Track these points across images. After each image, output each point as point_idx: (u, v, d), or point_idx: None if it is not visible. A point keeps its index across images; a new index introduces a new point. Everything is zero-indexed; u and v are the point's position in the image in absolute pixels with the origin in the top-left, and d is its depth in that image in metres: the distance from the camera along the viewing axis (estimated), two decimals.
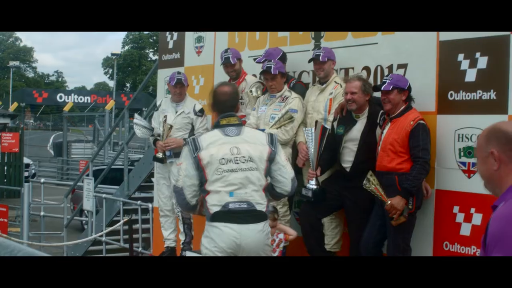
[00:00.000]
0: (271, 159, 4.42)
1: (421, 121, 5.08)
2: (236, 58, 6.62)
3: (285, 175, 4.51)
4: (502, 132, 2.56)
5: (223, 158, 4.32)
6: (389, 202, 5.02)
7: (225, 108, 4.53)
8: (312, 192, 5.66)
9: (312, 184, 5.70)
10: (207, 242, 4.36)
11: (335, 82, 5.94)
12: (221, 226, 4.28)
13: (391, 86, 5.16)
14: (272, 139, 4.47)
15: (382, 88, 5.22)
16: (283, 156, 4.55)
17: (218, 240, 4.28)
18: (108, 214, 10.15)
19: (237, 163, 4.32)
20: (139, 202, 9.18)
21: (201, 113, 7.03)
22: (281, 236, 5.66)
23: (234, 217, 4.28)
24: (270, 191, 4.54)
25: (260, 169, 4.38)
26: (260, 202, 4.37)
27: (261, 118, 6.14)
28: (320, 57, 5.87)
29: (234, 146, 4.36)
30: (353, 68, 6.04)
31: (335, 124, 5.74)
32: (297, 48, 6.56)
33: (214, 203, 4.32)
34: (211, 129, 4.65)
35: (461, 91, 5.12)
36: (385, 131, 5.28)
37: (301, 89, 6.30)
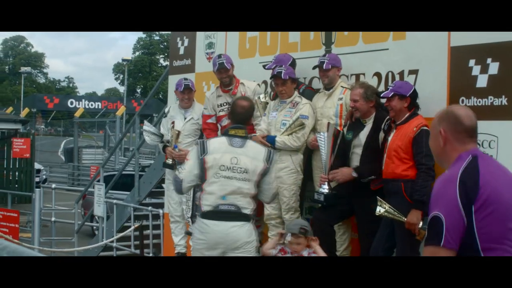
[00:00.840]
0: (263, 174, 4.99)
1: (424, 127, 5.06)
2: (230, 64, 6.57)
3: (270, 190, 5.10)
4: (453, 114, 2.96)
5: (223, 165, 4.89)
6: (405, 220, 4.98)
7: (239, 120, 5.15)
8: (324, 196, 5.66)
9: (324, 189, 5.69)
10: (197, 233, 4.97)
11: (341, 86, 5.94)
12: (211, 224, 4.88)
13: (392, 93, 5.20)
14: (269, 157, 5.01)
15: (382, 95, 5.29)
16: (273, 174, 5.13)
17: (207, 235, 4.89)
18: (119, 220, 10.17)
19: (234, 172, 4.89)
20: (149, 208, 9.21)
21: None
22: None
23: (222, 216, 4.88)
24: None
25: (252, 181, 4.94)
26: (246, 207, 4.94)
27: (272, 124, 6.13)
28: (324, 65, 5.89)
29: (235, 157, 4.91)
30: (364, 74, 6.02)
31: (345, 130, 5.74)
32: (308, 54, 6.53)
33: (207, 203, 4.91)
34: (221, 135, 5.09)
35: (472, 97, 5.10)
36: (390, 138, 5.28)
37: (310, 94, 6.28)
